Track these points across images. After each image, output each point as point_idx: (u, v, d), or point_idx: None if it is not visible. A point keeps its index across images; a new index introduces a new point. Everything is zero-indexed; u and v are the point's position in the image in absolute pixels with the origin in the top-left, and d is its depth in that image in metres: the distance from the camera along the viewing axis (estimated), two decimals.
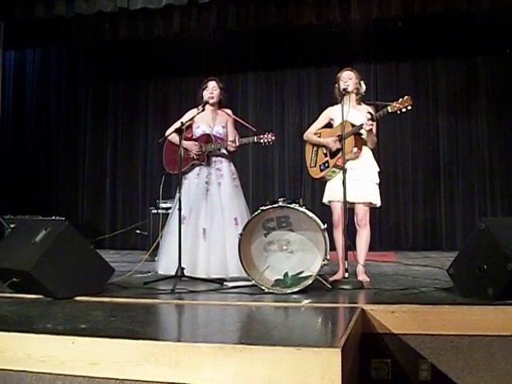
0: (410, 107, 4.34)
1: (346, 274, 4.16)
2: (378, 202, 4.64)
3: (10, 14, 7.77)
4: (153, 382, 2.25)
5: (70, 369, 2.34)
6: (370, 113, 4.51)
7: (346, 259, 4.17)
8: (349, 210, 4.49)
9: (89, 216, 9.75)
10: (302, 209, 3.99)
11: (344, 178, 4.24)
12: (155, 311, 3.48)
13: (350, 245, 4.34)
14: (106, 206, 9.73)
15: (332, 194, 4.61)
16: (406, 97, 4.36)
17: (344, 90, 4.53)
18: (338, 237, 4.56)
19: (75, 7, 7.47)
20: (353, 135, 4.51)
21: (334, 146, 4.60)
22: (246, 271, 4.01)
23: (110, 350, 2.32)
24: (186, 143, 4.90)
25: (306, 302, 3.50)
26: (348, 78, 4.67)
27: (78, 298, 3.62)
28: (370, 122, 4.45)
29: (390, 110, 4.40)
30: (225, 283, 4.40)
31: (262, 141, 4.86)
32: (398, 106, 4.36)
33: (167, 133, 5.03)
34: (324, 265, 3.91)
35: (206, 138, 5.01)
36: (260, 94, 9.43)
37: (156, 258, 5.10)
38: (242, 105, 9.17)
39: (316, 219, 3.96)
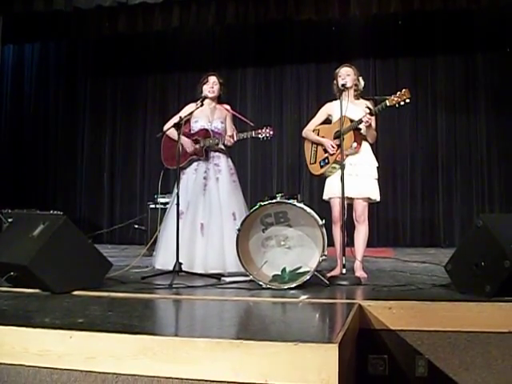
0: (408, 100, 4.34)
1: (344, 270, 4.16)
2: (377, 197, 4.64)
3: (9, 8, 7.76)
4: (150, 376, 2.25)
5: (67, 363, 2.34)
6: (368, 107, 4.51)
7: (344, 255, 4.18)
8: (348, 205, 4.51)
9: (87, 210, 9.75)
10: (300, 204, 3.99)
11: (342, 173, 4.23)
12: (153, 306, 3.48)
13: (348, 241, 4.34)
14: (104, 200, 9.73)
15: (332, 190, 4.61)
16: (403, 90, 4.35)
17: (342, 85, 4.53)
18: (336, 233, 4.57)
19: (74, 1, 7.46)
20: (352, 130, 4.50)
21: (332, 150, 4.59)
22: (243, 266, 4.01)
23: (107, 344, 2.32)
24: (183, 140, 4.88)
25: (303, 297, 3.50)
26: (346, 74, 4.67)
27: (75, 293, 3.62)
28: (369, 117, 4.45)
29: (388, 104, 4.40)
30: (222, 278, 4.40)
31: (260, 135, 4.84)
32: (396, 99, 4.36)
33: (165, 127, 5.02)
34: (322, 260, 3.91)
35: (205, 133, 5.00)
36: (259, 90, 9.42)
37: (154, 253, 5.09)
38: (240, 100, 9.16)
39: (314, 215, 3.95)
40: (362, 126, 4.51)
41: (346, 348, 2.36)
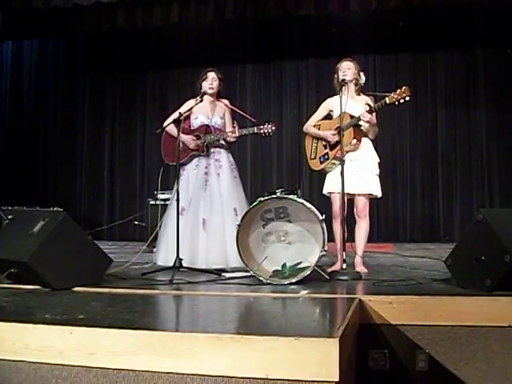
0: (408, 98, 4.32)
1: (344, 265, 4.16)
2: (378, 193, 4.63)
3: (8, 4, 7.75)
4: (150, 371, 2.25)
5: (68, 359, 2.34)
6: (368, 104, 4.50)
7: (344, 250, 4.18)
8: (349, 201, 4.50)
9: (87, 207, 9.76)
10: (300, 200, 3.98)
11: (342, 169, 4.22)
12: (153, 302, 3.48)
13: (349, 236, 4.34)
14: (104, 197, 9.74)
15: (332, 185, 4.60)
16: (404, 87, 4.33)
17: (342, 80, 4.52)
18: (337, 228, 4.56)
19: None
20: (351, 127, 4.49)
21: (333, 139, 4.59)
22: (244, 262, 4.01)
23: (107, 340, 2.32)
24: (183, 137, 4.87)
25: (303, 292, 3.50)
26: (347, 68, 4.66)
27: (75, 289, 3.62)
28: (367, 115, 4.43)
29: (388, 101, 4.38)
30: (223, 274, 4.40)
31: (262, 131, 4.83)
32: (396, 96, 4.34)
33: (165, 123, 5.00)
34: (322, 256, 3.91)
35: (205, 129, 4.99)
36: (258, 86, 9.42)
37: (154, 250, 5.09)
38: (240, 96, 9.17)
39: (314, 210, 3.95)
40: (362, 122, 4.50)
41: (346, 343, 2.36)
